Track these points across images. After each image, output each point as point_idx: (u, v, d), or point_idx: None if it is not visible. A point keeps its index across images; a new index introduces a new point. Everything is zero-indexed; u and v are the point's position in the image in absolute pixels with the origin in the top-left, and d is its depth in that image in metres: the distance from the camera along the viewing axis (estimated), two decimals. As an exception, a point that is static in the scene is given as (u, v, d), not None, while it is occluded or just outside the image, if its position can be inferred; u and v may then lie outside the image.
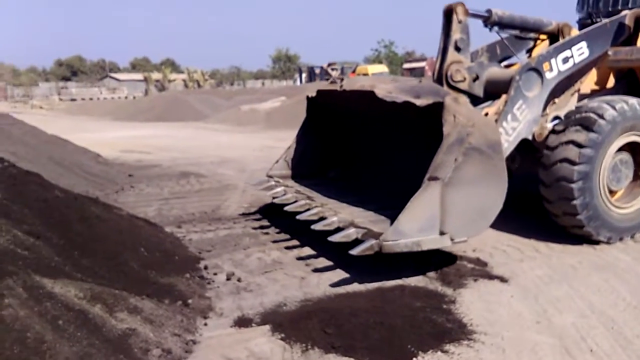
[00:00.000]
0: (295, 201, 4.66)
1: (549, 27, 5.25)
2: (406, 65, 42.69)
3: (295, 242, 4.64)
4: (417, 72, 33.80)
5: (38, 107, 30.45)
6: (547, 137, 4.53)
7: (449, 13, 4.57)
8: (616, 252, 4.36)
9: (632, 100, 4.53)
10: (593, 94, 5.33)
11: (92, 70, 68.42)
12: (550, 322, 3.11)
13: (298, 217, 4.34)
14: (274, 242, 4.71)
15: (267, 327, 3.02)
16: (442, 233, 3.51)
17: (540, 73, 4.49)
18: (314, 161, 5.71)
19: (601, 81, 5.50)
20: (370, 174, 5.23)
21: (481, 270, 3.96)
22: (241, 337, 2.94)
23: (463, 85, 4.60)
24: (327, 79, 37.44)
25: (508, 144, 4.33)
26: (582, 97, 5.15)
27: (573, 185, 4.22)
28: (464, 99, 3.98)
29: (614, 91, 5.27)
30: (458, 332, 2.96)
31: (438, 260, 4.06)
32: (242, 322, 3.10)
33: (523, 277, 3.86)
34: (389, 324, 2.95)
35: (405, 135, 4.62)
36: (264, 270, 4.02)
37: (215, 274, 3.94)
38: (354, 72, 35.72)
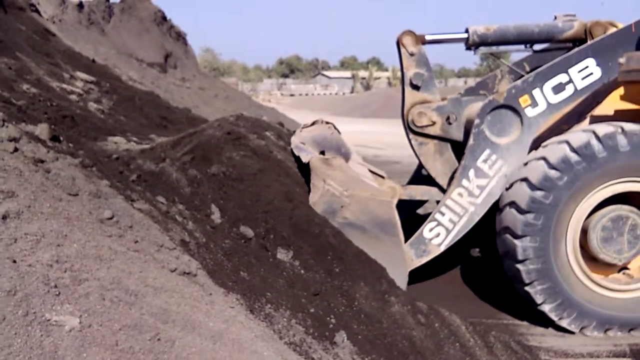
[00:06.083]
0: None
1: (567, 32, 3.79)
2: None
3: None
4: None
5: (267, 100, 34.15)
6: None
7: (398, 46, 3.76)
8: None
9: (608, 129, 2.93)
10: (618, 116, 3.27)
11: (307, 68, 74.62)
12: None
13: None
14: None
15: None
16: None
17: (516, 111, 3.30)
18: None
19: (637, 98, 3.29)
20: None
21: None
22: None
23: (433, 130, 3.75)
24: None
25: (475, 207, 3.27)
26: (600, 119, 3.29)
27: (519, 266, 3.03)
28: (339, 162, 3.04)
29: None
30: None
31: None
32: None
33: None
34: None
35: None
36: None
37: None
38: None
